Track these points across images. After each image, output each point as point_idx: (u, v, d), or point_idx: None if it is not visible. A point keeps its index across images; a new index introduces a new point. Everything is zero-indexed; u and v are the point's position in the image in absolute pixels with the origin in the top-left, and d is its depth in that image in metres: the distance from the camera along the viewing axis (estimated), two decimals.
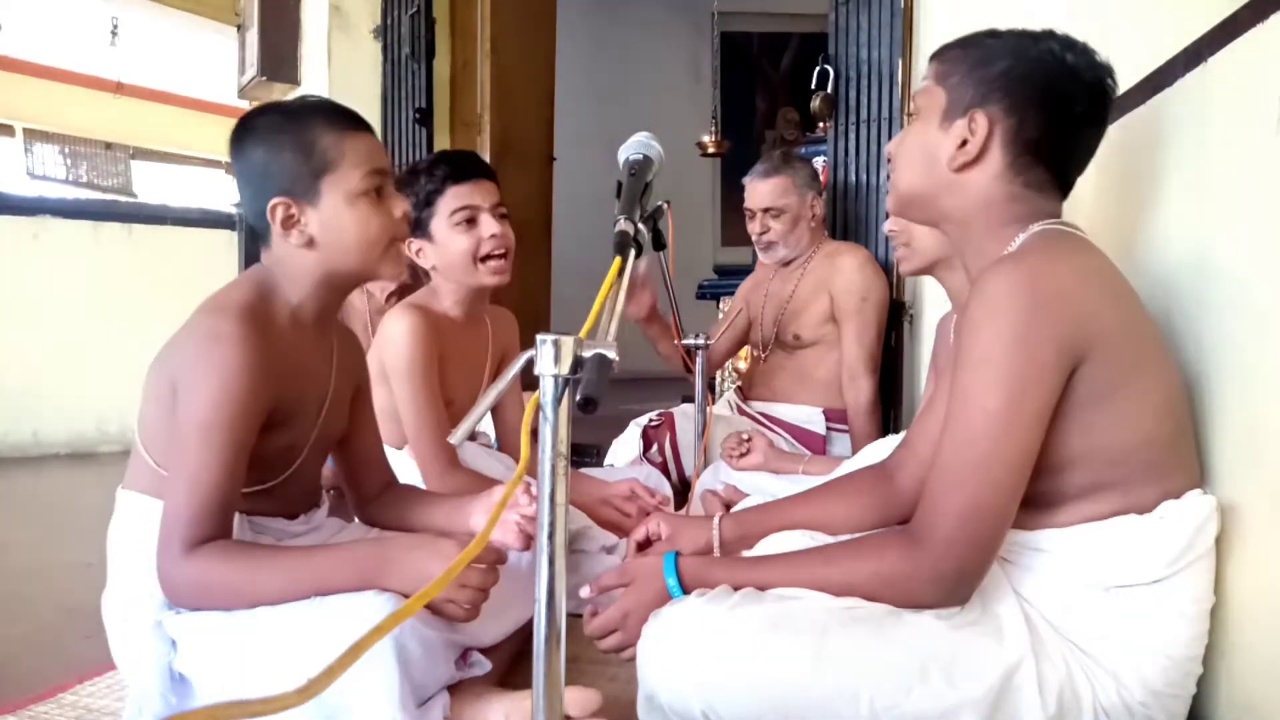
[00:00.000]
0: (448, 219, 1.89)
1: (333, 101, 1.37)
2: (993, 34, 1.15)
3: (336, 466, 1.58)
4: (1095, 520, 1.05)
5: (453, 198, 1.89)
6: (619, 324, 0.91)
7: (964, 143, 1.11)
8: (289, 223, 1.30)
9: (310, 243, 1.31)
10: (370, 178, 1.31)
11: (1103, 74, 1.10)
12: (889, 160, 1.25)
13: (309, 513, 1.45)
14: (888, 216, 1.99)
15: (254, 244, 1.37)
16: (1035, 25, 1.16)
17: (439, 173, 1.89)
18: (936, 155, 1.14)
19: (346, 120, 1.33)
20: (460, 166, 1.92)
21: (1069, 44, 1.10)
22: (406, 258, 2.60)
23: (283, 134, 1.30)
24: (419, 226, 1.90)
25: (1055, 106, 1.09)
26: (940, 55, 1.18)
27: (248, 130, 1.32)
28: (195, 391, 1.21)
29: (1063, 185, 1.14)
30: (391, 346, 1.85)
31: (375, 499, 1.57)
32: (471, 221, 1.89)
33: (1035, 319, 0.98)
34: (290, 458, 1.37)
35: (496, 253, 1.91)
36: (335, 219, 1.30)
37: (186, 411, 1.21)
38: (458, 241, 1.89)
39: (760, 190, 2.61)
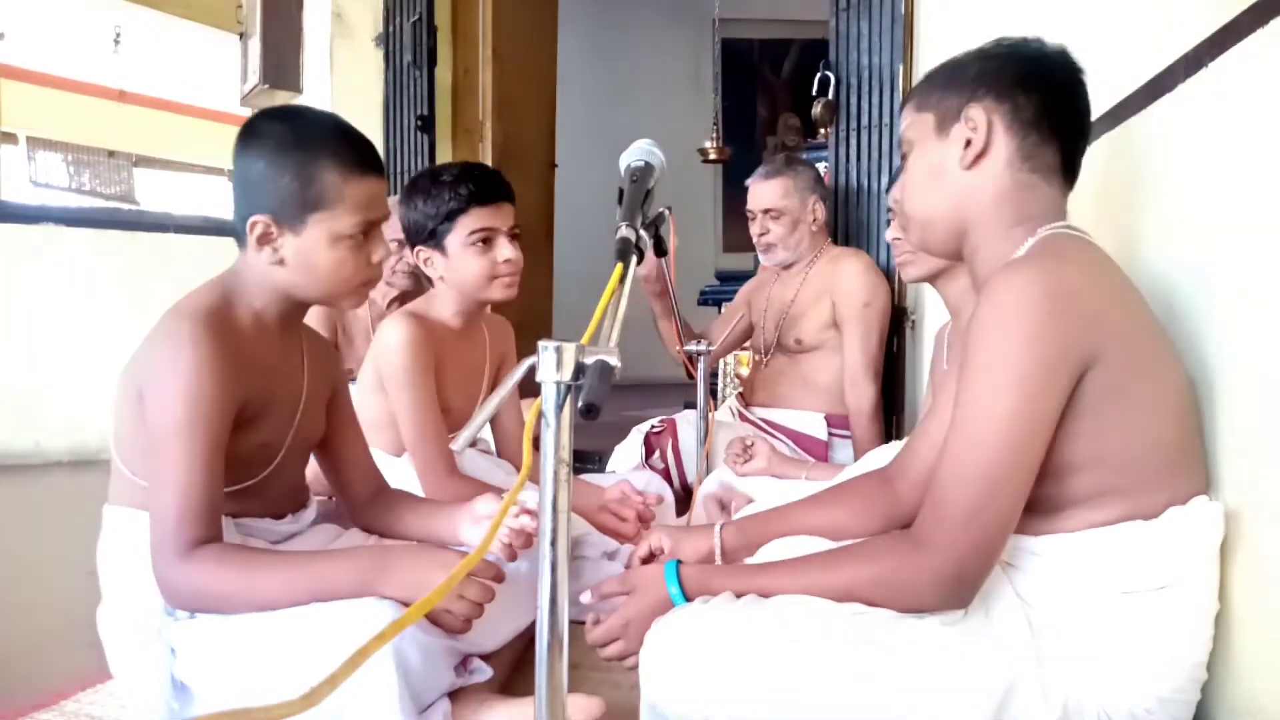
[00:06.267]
0: (465, 237, 1.87)
1: (350, 132, 1.34)
2: (952, 58, 1.19)
3: (324, 473, 1.58)
4: (1100, 526, 1.04)
5: (474, 219, 1.87)
6: (621, 330, 0.91)
7: (967, 143, 1.12)
8: (264, 239, 1.29)
9: (281, 263, 1.31)
10: (360, 226, 1.31)
11: (1065, 56, 1.13)
12: (893, 206, 1.26)
13: (295, 512, 1.46)
14: (889, 224, 1.99)
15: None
16: (1033, 31, 1.16)
17: (464, 191, 1.86)
18: (945, 166, 1.15)
19: (356, 161, 1.30)
20: (484, 187, 1.89)
21: (1023, 40, 1.15)
22: (414, 266, 2.63)
23: (288, 154, 1.27)
24: (432, 236, 1.89)
25: (1038, 82, 1.11)
26: (912, 92, 1.22)
27: (256, 136, 1.30)
28: (164, 396, 1.21)
29: (1068, 167, 1.14)
30: (388, 354, 1.84)
31: (367, 504, 1.57)
32: (488, 243, 1.88)
33: (1045, 322, 0.98)
34: (267, 457, 1.37)
35: (508, 275, 1.91)
36: (312, 252, 1.30)
37: (158, 417, 1.21)
38: (471, 262, 1.88)
39: (761, 191, 2.61)
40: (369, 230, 1.33)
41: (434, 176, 1.93)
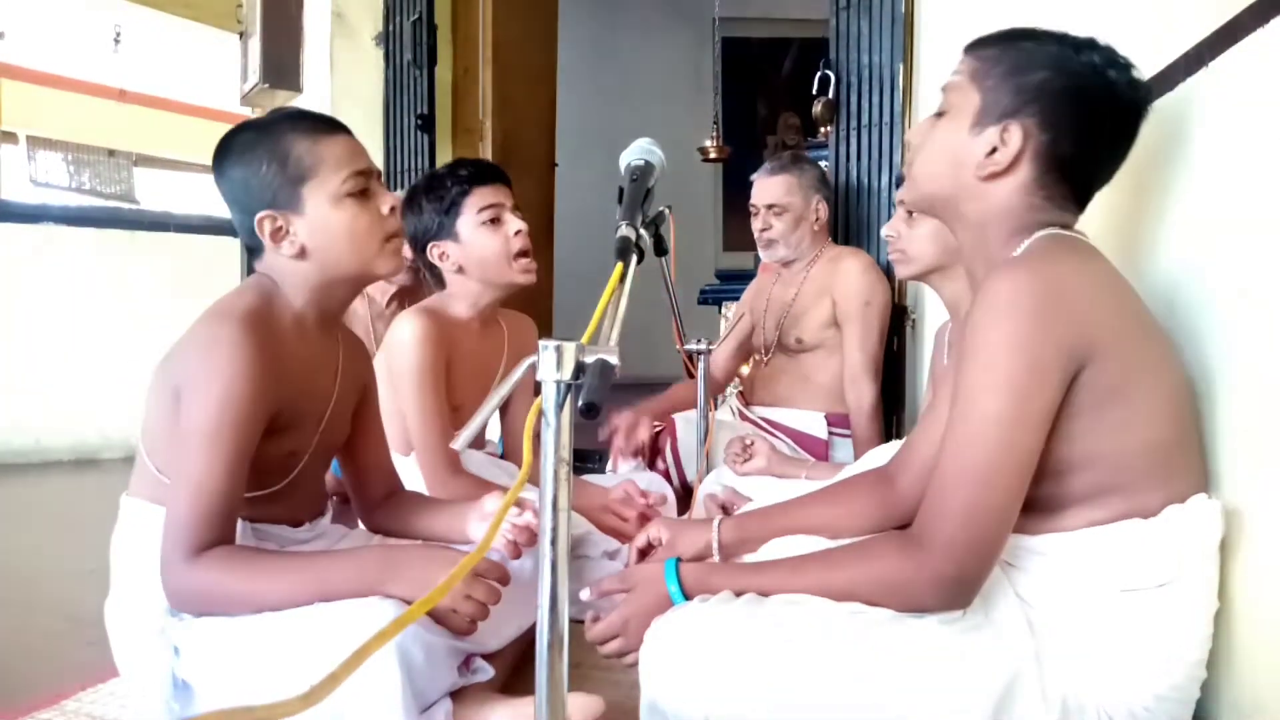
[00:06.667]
0: (474, 218, 1.92)
1: (304, 110, 1.38)
2: (1032, 35, 1.12)
3: (342, 473, 1.58)
4: (1099, 524, 1.04)
5: (479, 197, 1.92)
6: (621, 329, 0.91)
7: (993, 150, 1.09)
8: (278, 235, 1.31)
9: (302, 252, 1.32)
10: (352, 179, 1.31)
11: (1140, 94, 1.08)
12: (907, 146, 1.24)
13: (313, 520, 1.46)
14: (890, 218, 1.99)
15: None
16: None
17: (463, 174, 1.93)
18: (963, 159, 1.12)
19: (319, 125, 1.33)
20: (480, 169, 1.97)
21: (1110, 59, 1.08)
22: (412, 261, 2.64)
23: (258, 149, 1.30)
24: (441, 230, 1.93)
25: (1091, 126, 1.07)
26: (976, 51, 1.14)
27: (225, 152, 1.33)
28: (198, 397, 1.21)
29: (1083, 199, 1.13)
30: (399, 350, 1.85)
31: (379, 506, 1.57)
32: (496, 221, 1.93)
33: (1039, 322, 0.98)
34: (292, 463, 1.37)
35: (525, 250, 1.94)
36: (322, 224, 1.31)
37: (190, 417, 1.21)
38: (487, 240, 1.92)
39: (765, 187, 2.62)
40: (365, 185, 1.34)
41: (429, 177, 2.00)
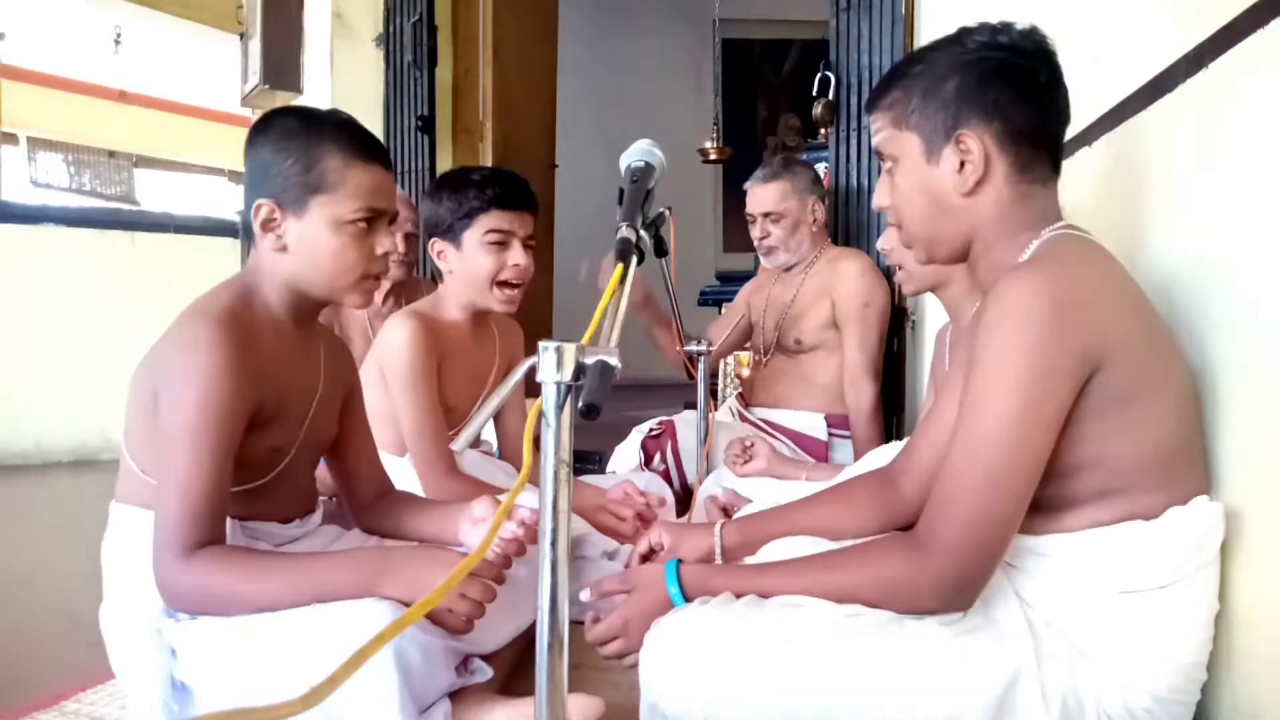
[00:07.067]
0: (481, 235, 1.90)
1: (355, 124, 1.36)
2: (913, 60, 1.15)
3: (332, 475, 1.58)
4: (1101, 526, 1.04)
5: (493, 218, 1.90)
6: (621, 331, 0.91)
7: (961, 165, 1.10)
8: (268, 225, 1.31)
9: (284, 250, 1.32)
10: (362, 212, 1.31)
11: (1039, 40, 1.10)
12: (879, 211, 1.25)
13: (304, 517, 1.45)
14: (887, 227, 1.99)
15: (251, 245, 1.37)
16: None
17: (489, 192, 1.90)
18: (941, 189, 1.13)
19: (360, 148, 1.32)
20: (509, 192, 1.93)
21: (993, 30, 1.11)
22: (406, 255, 2.65)
23: (293, 140, 1.30)
24: (449, 230, 1.93)
25: (1022, 89, 1.09)
26: (881, 104, 1.17)
27: (264, 128, 1.33)
28: (178, 396, 1.21)
29: (1056, 164, 1.14)
30: (391, 352, 1.86)
31: (371, 506, 1.57)
32: (502, 245, 1.91)
33: (1052, 327, 0.98)
34: (276, 459, 1.37)
35: (515, 281, 1.93)
36: (313, 238, 1.31)
37: (170, 416, 1.21)
38: (482, 260, 1.91)
39: (760, 195, 2.62)
40: (373, 220, 1.33)
41: (463, 174, 1.98)
